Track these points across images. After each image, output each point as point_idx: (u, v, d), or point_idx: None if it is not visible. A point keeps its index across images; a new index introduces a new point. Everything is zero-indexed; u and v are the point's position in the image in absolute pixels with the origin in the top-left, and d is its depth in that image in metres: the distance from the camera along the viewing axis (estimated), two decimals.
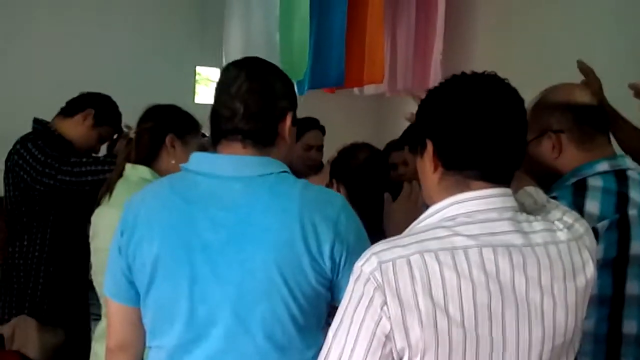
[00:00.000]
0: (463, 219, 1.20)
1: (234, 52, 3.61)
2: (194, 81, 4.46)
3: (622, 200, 1.63)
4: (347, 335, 1.15)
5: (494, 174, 1.23)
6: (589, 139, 1.73)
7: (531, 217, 1.24)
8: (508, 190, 1.25)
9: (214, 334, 1.40)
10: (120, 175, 2.09)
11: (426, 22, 4.14)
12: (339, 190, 2.01)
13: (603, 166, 1.71)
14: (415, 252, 1.15)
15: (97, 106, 2.91)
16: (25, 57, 3.70)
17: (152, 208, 1.47)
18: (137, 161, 2.09)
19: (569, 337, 1.21)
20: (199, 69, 4.47)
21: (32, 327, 2.75)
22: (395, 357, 1.14)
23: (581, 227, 1.28)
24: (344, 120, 4.40)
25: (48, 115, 2.92)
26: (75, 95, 2.96)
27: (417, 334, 1.11)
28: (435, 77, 4.07)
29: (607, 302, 1.60)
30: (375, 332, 1.13)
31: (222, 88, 1.50)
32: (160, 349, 1.48)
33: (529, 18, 3.58)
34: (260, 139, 1.48)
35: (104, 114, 2.93)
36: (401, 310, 1.12)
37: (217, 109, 1.50)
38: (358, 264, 1.18)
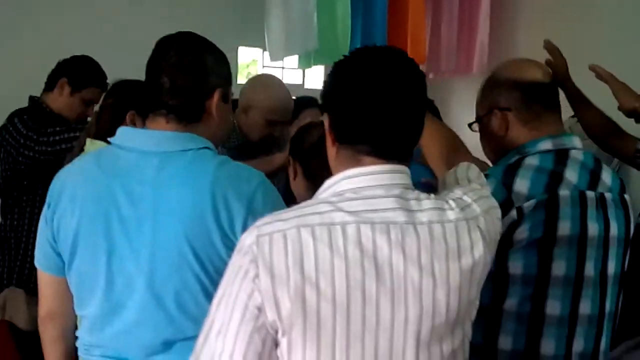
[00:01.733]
0: (349, 194, 1.21)
1: (275, 33, 3.62)
2: (237, 62, 4.43)
3: (554, 179, 1.62)
4: (226, 306, 1.17)
5: (385, 149, 1.24)
6: (536, 117, 1.72)
7: (423, 195, 1.25)
8: (400, 167, 1.25)
9: (130, 306, 1.45)
10: (82, 150, 2.15)
11: (470, 3, 4.15)
12: (295, 168, 2.02)
13: (546, 144, 1.69)
14: (293, 227, 1.16)
15: (69, 72, 2.92)
16: (55, 40, 3.64)
17: (76, 181, 1.51)
18: (97, 137, 2.14)
19: (452, 317, 1.21)
20: (241, 49, 4.46)
21: (21, 298, 2.84)
22: (270, 331, 1.15)
23: (480, 207, 1.28)
24: None
25: None
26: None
27: (287, 307, 1.13)
28: (480, 60, 4.07)
29: (532, 282, 1.59)
30: (247, 305, 1.15)
31: (151, 62, 1.53)
32: (85, 319, 1.53)
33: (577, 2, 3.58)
34: (185, 114, 1.50)
35: (79, 78, 2.92)
36: (272, 283, 1.13)
37: (145, 84, 1.54)
38: (242, 237, 1.20)
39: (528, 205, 1.58)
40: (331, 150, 1.29)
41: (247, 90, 2.69)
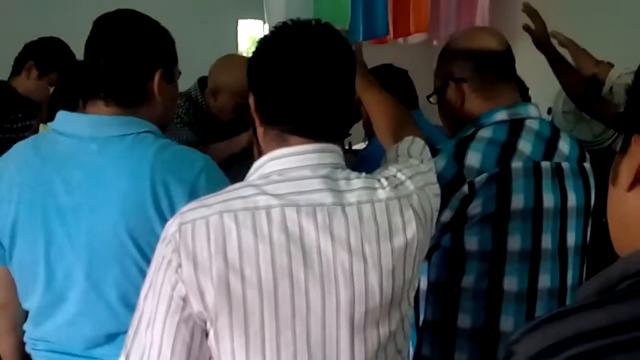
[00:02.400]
0: (275, 177, 1.18)
1: (274, 4, 3.51)
2: (236, 35, 4.34)
3: (507, 151, 1.57)
4: (152, 298, 1.14)
5: (310, 128, 1.19)
6: (491, 87, 1.67)
7: (353, 175, 1.21)
8: (329, 146, 1.21)
9: (71, 298, 1.42)
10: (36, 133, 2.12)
11: None
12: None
13: (501, 115, 1.65)
14: (215, 213, 1.12)
15: (36, 56, 2.86)
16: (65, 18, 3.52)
17: (14, 168, 1.47)
18: (50, 121, 2.11)
19: (387, 300, 1.17)
20: (241, 22, 4.35)
21: None
22: (198, 322, 1.12)
23: (414, 184, 1.24)
24: None
25: None
26: None
27: (212, 296, 1.09)
28: (481, 23, 4.00)
29: (488, 258, 1.55)
30: (172, 296, 1.11)
31: (88, 43, 1.48)
32: (30, 311, 1.50)
33: None
34: (125, 97, 1.46)
35: (47, 61, 2.86)
36: (195, 273, 1.10)
37: (83, 66, 1.50)
38: (166, 225, 1.17)
39: (480, 179, 1.53)
40: (259, 131, 1.25)
41: (215, 72, 2.62)
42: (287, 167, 1.18)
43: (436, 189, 1.31)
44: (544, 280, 1.59)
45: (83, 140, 1.43)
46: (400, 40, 4.10)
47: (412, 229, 1.19)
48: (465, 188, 1.53)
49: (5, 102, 2.79)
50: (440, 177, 1.51)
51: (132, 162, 1.40)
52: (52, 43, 2.91)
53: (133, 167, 1.39)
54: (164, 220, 1.36)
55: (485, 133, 1.61)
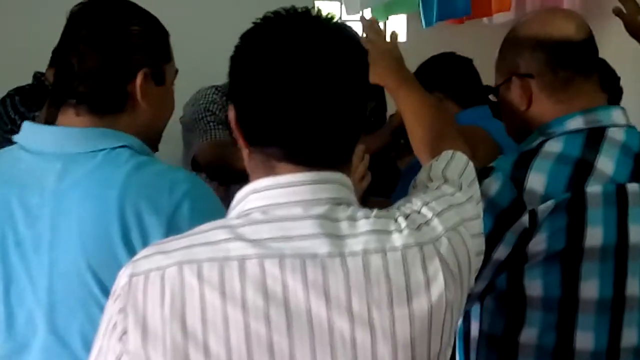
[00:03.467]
0: (257, 215, 0.89)
1: None
2: None
3: (581, 171, 1.23)
4: None
5: (303, 152, 0.90)
6: (566, 86, 1.32)
7: (360, 214, 0.90)
8: (329, 175, 0.91)
9: (34, 347, 1.17)
10: None
11: None
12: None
13: (576, 122, 1.30)
14: (174, 263, 0.85)
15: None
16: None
17: None
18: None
19: None
20: (318, 3, 4.06)
21: None
22: None
23: (444, 223, 0.92)
24: (474, 52, 4.00)
25: None
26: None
27: None
28: (570, 2, 3.64)
29: (555, 307, 1.21)
30: None
31: (61, 38, 1.23)
32: None
33: None
34: (100, 104, 1.20)
35: None
36: (143, 343, 0.82)
37: (55, 66, 1.25)
38: (119, 273, 0.91)
39: (544, 207, 1.20)
40: (244, 152, 0.96)
41: None
42: (272, 203, 0.89)
43: (477, 226, 0.99)
44: (630, 337, 1.24)
45: (47, 158, 1.18)
46: (485, 19, 3.73)
47: (438, 287, 0.88)
48: (526, 219, 1.20)
49: (37, 98, 2.61)
50: (493, 205, 1.20)
51: (100, 185, 1.14)
52: None
53: (100, 192, 1.13)
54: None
55: (553, 146, 1.27)
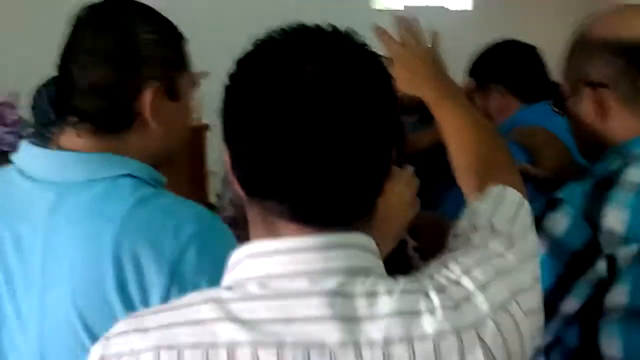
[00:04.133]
0: (253, 287, 0.70)
1: None
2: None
3: None
4: None
5: (311, 210, 0.70)
6: None
7: (382, 286, 0.70)
8: (345, 238, 0.71)
9: None
10: None
11: None
12: None
13: None
14: (151, 348, 0.69)
15: None
16: None
17: None
18: None
19: None
20: None
21: None
22: None
23: (490, 299, 0.72)
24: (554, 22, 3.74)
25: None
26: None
27: None
28: None
29: None
30: None
31: (65, 46, 1.07)
32: None
33: None
34: (104, 123, 1.04)
35: None
36: None
37: (56, 79, 1.10)
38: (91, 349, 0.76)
39: (626, 252, 0.97)
40: (244, 200, 0.77)
41: None
42: (271, 274, 0.71)
43: (534, 299, 0.78)
44: None
45: (41, 185, 1.03)
46: None
47: None
48: (602, 266, 0.98)
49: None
50: (561, 247, 0.99)
51: (95, 222, 0.98)
52: None
53: (94, 230, 0.97)
54: (131, 308, 0.95)
55: (636, 174, 1.03)
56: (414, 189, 1.10)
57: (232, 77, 0.74)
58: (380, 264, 0.73)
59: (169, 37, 1.10)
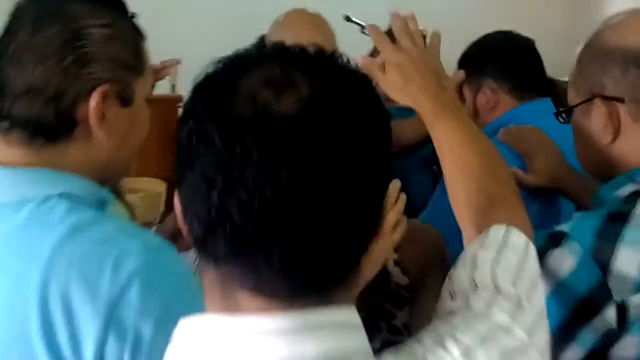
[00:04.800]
0: None
1: None
2: None
3: None
4: None
5: (280, 280, 0.56)
6: None
7: None
8: (321, 317, 0.57)
9: None
10: None
11: None
12: None
13: None
14: None
15: None
16: None
17: None
18: None
19: None
20: None
21: None
22: None
23: None
24: None
25: None
26: None
27: None
28: None
29: None
30: None
31: (2, 38, 0.91)
32: None
33: None
34: (39, 131, 0.89)
35: None
36: None
37: None
38: None
39: (639, 299, 0.86)
40: (199, 262, 0.64)
41: (275, 35, 1.99)
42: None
43: None
44: None
45: None
46: None
47: None
48: (612, 314, 0.87)
49: None
50: (565, 290, 0.89)
51: (16, 256, 0.83)
52: None
53: (16, 267, 0.83)
54: None
55: None
56: (400, 209, 0.98)
57: (190, 103, 0.60)
58: (365, 340, 0.61)
59: (124, 34, 0.94)
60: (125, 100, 0.93)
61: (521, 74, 1.71)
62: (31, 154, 0.89)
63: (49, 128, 0.89)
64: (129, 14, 0.98)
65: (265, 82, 0.56)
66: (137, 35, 0.96)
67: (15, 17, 0.90)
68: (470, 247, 0.78)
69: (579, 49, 1.07)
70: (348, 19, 3.24)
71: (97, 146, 0.92)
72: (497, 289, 0.70)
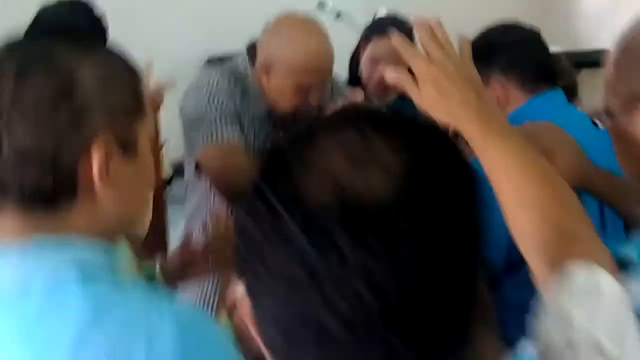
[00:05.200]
0: None
1: None
2: None
3: None
4: None
5: None
6: None
7: None
8: None
9: None
10: None
11: None
12: None
13: None
14: None
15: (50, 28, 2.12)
16: None
17: None
18: None
19: None
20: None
21: None
22: None
23: None
24: None
25: None
26: None
27: None
28: None
29: None
30: None
31: None
32: None
33: None
34: (40, 197, 0.80)
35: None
36: None
37: None
38: None
39: None
40: None
41: (267, 41, 1.90)
42: None
43: None
44: None
45: None
46: None
47: None
48: None
49: None
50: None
51: (35, 353, 0.75)
52: (71, 9, 2.18)
53: None
54: None
55: None
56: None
57: (255, 184, 0.52)
58: None
59: (120, 75, 0.86)
60: (129, 148, 0.85)
61: (531, 66, 1.64)
62: (30, 226, 0.80)
63: (48, 194, 0.80)
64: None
65: (346, 158, 0.48)
66: (133, 73, 0.88)
67: None
68: (555, 296, 0.69)
69: (613, 53, 1.01)
70: (322, 5, 3.13)
71: (104, 204, 0.84)
72: (600, 350, 0.62)
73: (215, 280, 1.84)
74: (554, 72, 1.67)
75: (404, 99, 2.43)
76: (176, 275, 1.35)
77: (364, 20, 2.78)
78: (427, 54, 0.92)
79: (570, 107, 1.64)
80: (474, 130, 0.88)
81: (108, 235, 0.85)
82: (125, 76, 0.87)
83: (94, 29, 2.19)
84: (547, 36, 1.71)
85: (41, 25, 2.14)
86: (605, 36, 1.53)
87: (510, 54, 1.64)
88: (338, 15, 3.13)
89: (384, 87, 2.40)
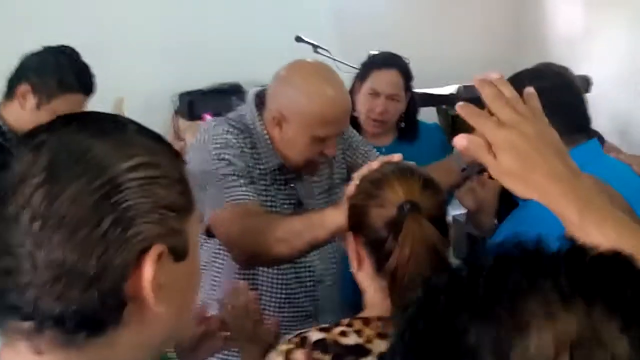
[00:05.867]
0: None
1: None
2: None
3: None
4: None
5: None
6: None
7: None
8: None
9: None
10: None
11: None
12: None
13: None
14: None
15: (33, 76, 2.02)
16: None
17: None
18: None
19: None
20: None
21: None
22: None
23: None
24: None
25: None
26: None
27: None
28: None
29: None
30: None
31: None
32: None
33: None
34: (82, 324, 0.67)
35: (48, 83, 2.02)
36: None
37: None
38: None
39: None
40: None
41: (279, 90, 1.77)
42: None
43: None
44: None
45: None
46: None
47: None
48: None
49: None
50: None
51: None
52: (56, 56, 2.07)
53: None
54: None
55: None
56: None
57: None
58: None
59: (165, 169, 0.72)
60: (180, 253, 0.72)
61: (570, 115, 1.54)
62: (71, 358, 0.68)
63: (92, 318, 0.67)
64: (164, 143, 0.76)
65: (553, 339, 0.39)
66: (178, 164, 0.75)
67: (17, 173, 0.67)
68: None
69: None
70: (299, 39, 3.05)
71: (154, 322, 0.71)
72: None
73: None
74: (588, 121, 1.59)
75: (402, 141, 2.37)
76: (191, 349, 1.29)
77: (341, 55, 2.79)
78: (497, 115, 0.80)
79: (606, 158, 1.57)
80: (571, 210, 0.76)
81: (154, 351, 0.75)
82: (171, 167, 0.73)
83: (79, 77, 2.08)
84: (521, 65, 1.63)
85: (25, 72, 2.03)
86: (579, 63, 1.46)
87: (549, 104, 1.55)
88: (315, 49, 3.09)
89: (381, 121, 2.34)
